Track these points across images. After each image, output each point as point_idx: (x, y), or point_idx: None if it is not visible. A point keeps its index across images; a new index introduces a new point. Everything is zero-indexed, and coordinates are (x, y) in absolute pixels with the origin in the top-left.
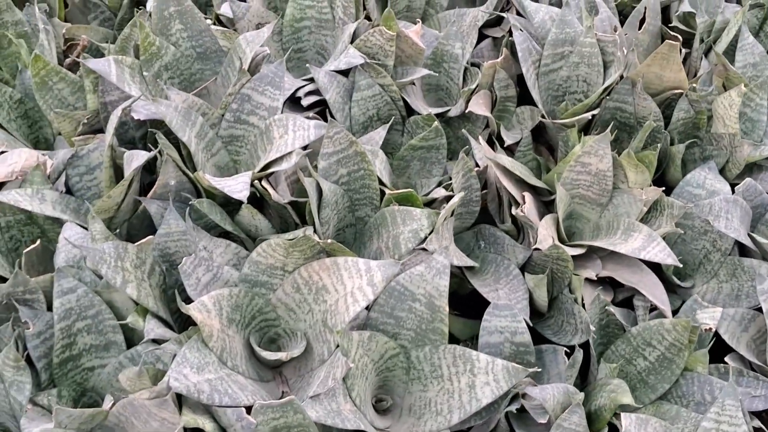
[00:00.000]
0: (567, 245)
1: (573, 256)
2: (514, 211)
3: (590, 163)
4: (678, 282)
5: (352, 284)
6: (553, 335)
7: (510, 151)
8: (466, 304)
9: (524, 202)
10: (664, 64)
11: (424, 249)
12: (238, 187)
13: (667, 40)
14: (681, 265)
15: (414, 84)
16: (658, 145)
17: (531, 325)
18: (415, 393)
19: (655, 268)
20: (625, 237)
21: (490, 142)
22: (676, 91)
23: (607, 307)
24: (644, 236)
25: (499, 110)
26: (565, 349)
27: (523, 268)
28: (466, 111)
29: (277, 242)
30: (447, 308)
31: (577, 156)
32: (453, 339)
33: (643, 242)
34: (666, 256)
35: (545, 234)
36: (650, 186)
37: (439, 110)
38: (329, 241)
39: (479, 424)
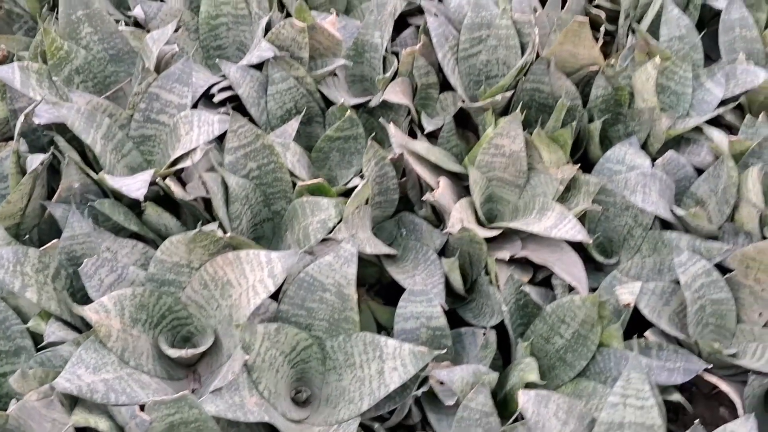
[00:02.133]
0: (486, 228)
1: (494, 239)
2: (425, 196)
3: (503, 144)
4: (602, 260)
5: (254, 277)
6: (473, 318)
7: (433, 137)
8: (391, 292)
9: (438, 188)
10: (576, 41)
11: (332, 239)
12: (136, 185)
13: (576, 17)
14: (590, 241)
15: (336, 76)
16: (573, 123)
17: (447, 309)
18: (331, 383)
19: (581, 247)
20: (539, 216)
21: (412, 130)
22: (592, 68)
23: (522, 287)
24: (557, 214)
25: (422, 98)
26: (483, 331)
27: (444, 254)
28: (382, 99)
29: (179, 239)
30: (356, 296)
31: (490, 138)
32: (380, 327)
33: (556, 220)
34: (576, 233)
35: (457, 217)
36: (566, 164)
37: (360, 100)
38: (229, 234)
39: (394, 409)
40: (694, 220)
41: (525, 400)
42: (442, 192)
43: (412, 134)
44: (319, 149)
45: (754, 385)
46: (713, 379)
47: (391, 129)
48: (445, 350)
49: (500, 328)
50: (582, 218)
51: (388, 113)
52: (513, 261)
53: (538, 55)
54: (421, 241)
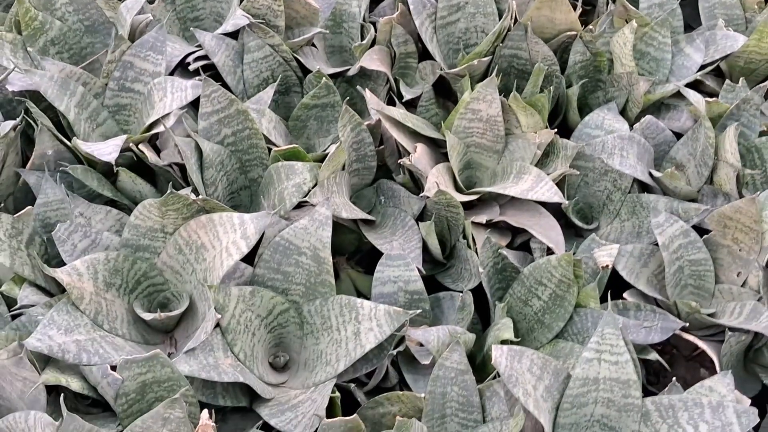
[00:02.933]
0: (464, 193)
1: (472, 204)
2: (401, 160)
3: (480, 109)
4: (582, 225)
5: (227, 239)
6: (452, 283)
7: (413, 107)
8: (371, 261)
9: (415, 153)
10: (552, 5)
11: (308, 203)
12: (107, 149)
13: None
14: (566, 203)
15: (315, 46)
16: (551, 88)
17: (424, 272)
18: (309, 347)
19: (562, 214)
20: (516, 180)
21: (391, 99)
22: (569, 34)
23: (500, 251)
24: (533, 177)
25: (401, 67)
26: (461, 294)
27: (422, 219)
28: (358, 67)
29: (151, 203)
30: (331, 259)
31: (467, 103)
32: (360, 296)
33: (532, 183)
34: (553, 195)
35: (433, 181)
36: (544, 129)
37: (338, 69)
38: (202, 197)
39: (371, 371)
40: (672, 182)
41: (498, 354)
42: (418, 157)
43: (391, 103)
44: (296, 117)
45: (732, 342)
46: (690, 337)
47: (367, 94)
48: (420, 311)
49: (480, 293)
50: (561, 184)
51: (367, 82)
52: (491, 226)
53: (517, 21)
54: (399, 207)
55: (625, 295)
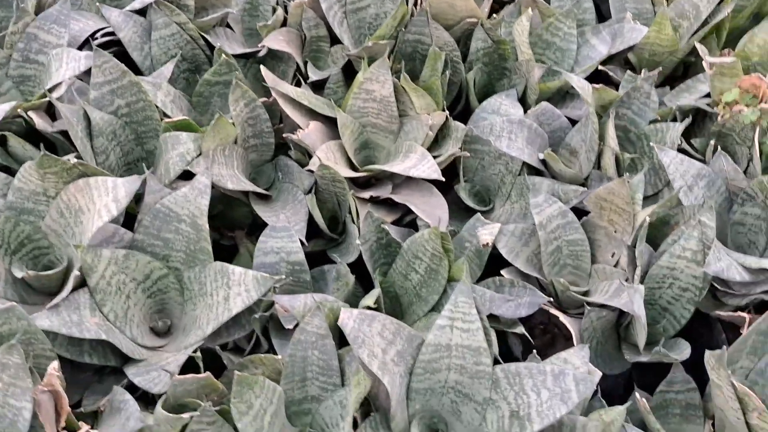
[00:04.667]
0: (357, 171)
1: (370, 182)
2: (285, 134)
3: (374, 90)
4: (477, 206)
5: (101, 202)
6: (340, 256)
7: (321, 88)
8: None
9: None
10: None
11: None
12: None
13: None
14: (442, 179)
15: (231, 29)
16: (447, 72)
17: (306, 244)
18: (188, 313)
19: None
20: (404, 159)
21: (300, 82)
22: (472, 21)
23: (383, 225)
24: (418, 156)
25: (313, 50)
26: (346, 268)
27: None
28: (260, 45)
29: (31, 165)
30: (208, 227)
31: (360, 83)
32: None
33: (416, 161)
34: (432, 172)
35: (320, 157)
36: (437, 111)
37: (248, 50)
38: (77, 161)
39: (243, 336)
40: (554, 164)
41: (346, 316)
42: (308, 133)
43: (299, 85)
44: (199, 94)
45: (592, 317)
46: (554, 311)
47: (263, 71)
48: (285, 277)
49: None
50: (455, 165)
51: (278, 64)
52: (382, 202)
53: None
54: (293, 182)
55: (502, 272)
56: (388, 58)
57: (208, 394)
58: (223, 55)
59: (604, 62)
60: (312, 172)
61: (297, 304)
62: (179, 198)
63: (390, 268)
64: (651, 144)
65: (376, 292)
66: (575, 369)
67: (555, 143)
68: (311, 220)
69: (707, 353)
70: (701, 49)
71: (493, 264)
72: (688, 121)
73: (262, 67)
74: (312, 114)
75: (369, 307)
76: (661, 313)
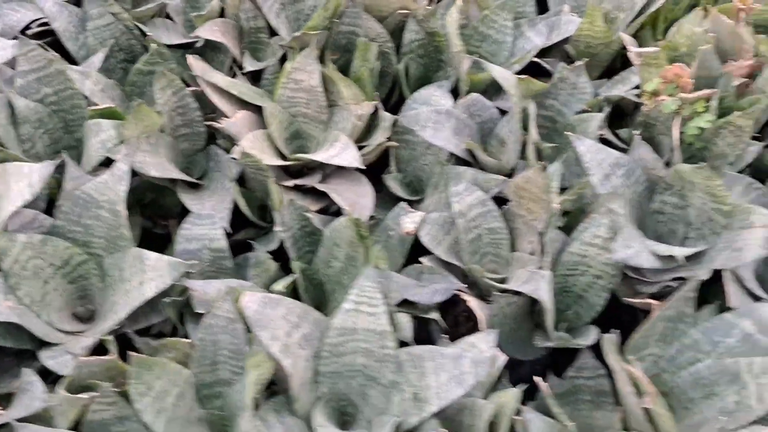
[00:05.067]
0: (285, 160)
1: (302, 172)
2: (208, 122)
3: (302, 79)
4: (408, 197)
5: (17, 187)
6: (266, 245)
7: (258, 80)
8: None
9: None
10: None
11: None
12: None
13: None
14: (363, 166)
15: (173, 20)
16: (377, 63)
17: (230, 232)
18: (109, 299)
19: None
20: (328, 148)
21: (233, 71)
22: (403, 12)
23: (306, 213)
24: (342, 144)
25: (251, 41)
26: (266, 255)
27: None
28: (193, 36)
29: None
30: (126, 212)
31: (288, 73)
32: None
33: (339, 150)
34: (353, 160)
35: (244, 145)
36: (366, 102)
37: (184, 41)
38: None
39: (159, 322)
40: (480, 155)
41: (247, 299)
42: (234, 121)
43: (235, 76)
44: (132, 83)
45: (501, 302)
46: (465, 297)
47: (190, 60)
48: (198, 262)
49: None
50: (386, 155)
51: (216, 55)
52: (311, 192)
53: None
54: (222, 171)
55: (422, 259)
56: (324, 49)
57: (113, 377)
58: (155, 46)
59: (544, 55)
60: (230, 157)
61: (210, 289)
62: (99, 184)
63: (314, 256)
64: (566, 133)
65: (290, 278)
66: (481, 353)
67: (485, 134)
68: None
69: (603, 337)
70: (627, 39)
71: (423, 252)
72: (607, 110)
73: (188, 56)
74: (243, 104)
75: (279, 292)
76: (576, 301)
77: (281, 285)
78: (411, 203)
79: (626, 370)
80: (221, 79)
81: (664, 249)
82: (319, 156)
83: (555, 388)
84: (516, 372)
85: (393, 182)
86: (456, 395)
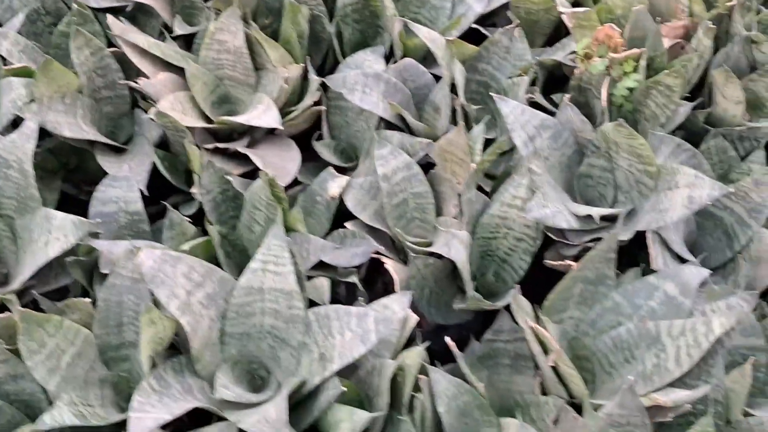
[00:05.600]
0: (210, 123)
1: (232, 136)
2: (124, 81)
3: (226, 40)
4: (341, 164)
5: None
6: (189, 209)
7: (190, 44)
8: None
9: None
10: None
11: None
12: None
13: None
14: (282, 128)
15: None
16: (307, 25)
17: (146, 194)
18: (20, 260)
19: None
20: (251, 110)
21: (163, 35)
22: None
23: (226, 177)
24: (264, 106)
25: (185, 6)
26: (181, 217)
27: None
28: (137, 3)
29: None
30: (33, 172)
31: (212, 33)
32: None
33: (260, 112)
34: (272, 121)
35: (163, 105)
36: (294, 64)
37: (116, 4)
38: None
39: (70, 284)
40: (411, 120)
41: (144, 256)
42: (154, 82)
43: (160, 38)
44: (56, 45)
45: (417, 264)
46: (384, 260)
47: (109, 19)
48: (106, 222)
49: None
50: (318, 121)
51: (147, 19)
52: (237, 156)
53: None
54: (144, 134)
55: (347, 224)
56: (256, 13)
57: (12, 335)
58: (76, 7)
59: (488, 22)
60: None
61: (117, 250)
62: (7, 143)
63: (238, 221)
64: (491, 94)
65: (199, 240)
66: (393, 314)
67: (421, 100)
68: None
69: (513, 297)
70: (559, 1)
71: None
72: (540, 74)
73: (109, 16)
74: (167, 66)
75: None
76: (501, 265)
77: (187, 246)
78: (345, 170)
79: (532, 328)
80: (142, 39)
81: (583, 209)
82: (241, 118)
83: (475, 352)
84: (441, 337)
85: (324, 149)
86: (359, 353)
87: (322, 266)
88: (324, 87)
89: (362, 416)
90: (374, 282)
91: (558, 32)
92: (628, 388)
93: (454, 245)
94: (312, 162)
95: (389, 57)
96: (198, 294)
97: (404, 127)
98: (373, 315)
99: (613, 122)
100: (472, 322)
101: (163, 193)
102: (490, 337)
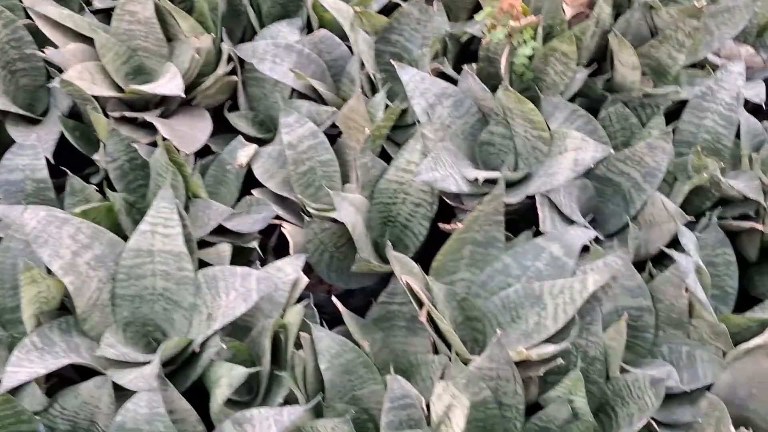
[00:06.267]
0: (124, 94)
1: (148, 107)
2: (31, 50)
3: (136, 11)
4: (260, 135)
5: None
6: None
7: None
8: None
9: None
10: None
11: None
12: None
13: None
14: (183, 95)
15: None
16: None
17: (53, 162)
18: None
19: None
20: (160, 78)
21: (82, 8)
22: None
23: (132, 144)
24: (170, 75)
25: None
26: (84, 183)
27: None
28: None
29: None
30: None
31: (123, 4)
32: None
33: (167, 80)
34: (176, 89)
35: (70, 75)
36: (205, 35)
37: None
38: None
39: None
40: (322, 89)
41: (29, 216)
42: (61, 52)
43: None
44: None
45: (314, 228)
46: (282, 223)
47: None
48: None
49: None
50: (234, 93)
51: None
52: (144, 126)
53: None
54: (58, 106)
55: (253, 191)
56: None
57: None
58: None
59: None
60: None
61: (14, 214)
62: None
63: (148, 189)
64: (390, 61)
65: (95, 204)
66: (286, 276)
67: (337, 72)
68: None
69: (391, 255)
70: None
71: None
72: (439, 41)
73: None
74: (80, 38)
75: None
76: (402, 231)
77: (78, 209)
78: (263, 141)
79: (404, 282)
80: (53, 10)
81: (472, 173)
82: (147, 87)
83: (373, 314)
84: (348, 302)
85: (241, 120)
86: (240, 311)
87: (225, 233)
88: (242, 61)
89: (239, 371)
90: (285, 249)
91: (480, 8)
92: (496, 342)
93: (344, 207)
94: (231, 134)
95: (310, 30)
96: (85, 255)
97: (317, 98)
98: (256, 274)
99: (502, 87)
100: (378, 288)
101: (79, 165)
102: (385, 300)
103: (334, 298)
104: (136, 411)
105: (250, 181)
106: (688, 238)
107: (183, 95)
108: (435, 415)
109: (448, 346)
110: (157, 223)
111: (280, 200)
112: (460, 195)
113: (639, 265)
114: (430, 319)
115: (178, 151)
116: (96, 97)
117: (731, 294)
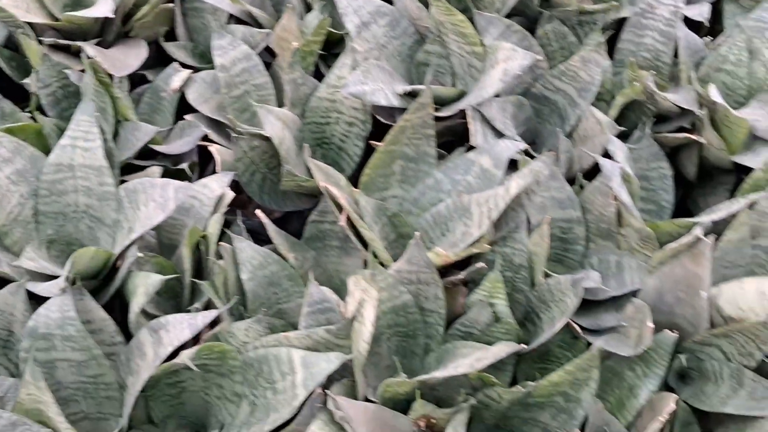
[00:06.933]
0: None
1: (83, 37)
2: None
3: None
4: (200, 66)
5: None
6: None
7: None
8: None
9: None
10: None
11: None
12: None
13: None
14: (113, 16)
15: None
16: None
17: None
18: None
19: None
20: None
21: None
22: None
23: (65, 71)
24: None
25: None
26: (19, 109)
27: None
28: None
29: None
30: None
31: None
32: None
33: (98, 5)
34: (106, 11)
35: (3, 2)
36: None
37: None
38: None
39: None
40: (258, 13)
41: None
42: None
43: None
44: None
45: (242, 145)
46: (210, 143)
47: None
48: None
49: None
50: (173, 24)
51: None
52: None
53: None
54: None
55: (186, 117)
56: None
57: None
58: None
59: None
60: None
61: None
62: None
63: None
64: None
65: (19, 123)
66: (211, 192)
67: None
68: None
69: (312, 165)
70: None
71: None
72: None
73: None
74: None
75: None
76: (338, 153)
77: (4, 127)
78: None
79: (323, 187)
80: None
81: (402, 88)
82: (78, 13)
83: (306, 234)
84: (285, 228)
85: (179, 50)
86: (158, 220)
87: (157, 156)
88: None
89: (155, 279)
90: None
91: None
92: (415, 244)
93: (270, 120)
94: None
95: None
96: (6, 169)
97: (254, 24)
98: (174, 184)
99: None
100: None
101: (17, 96)
102: (316, 218)
103: (258, 212)
104: (48, 316)
105: (186, 109)
106: (616, 146)
107: (112, 15)
108: (349, 314)
109: (375, 256)
110: (77, 137)
111: (215, 124)
112: (394, 112)
113: (573, 181)
114: (353, 228)
115: (110, 77)
116: (31, 26)
117: (666, 208)
